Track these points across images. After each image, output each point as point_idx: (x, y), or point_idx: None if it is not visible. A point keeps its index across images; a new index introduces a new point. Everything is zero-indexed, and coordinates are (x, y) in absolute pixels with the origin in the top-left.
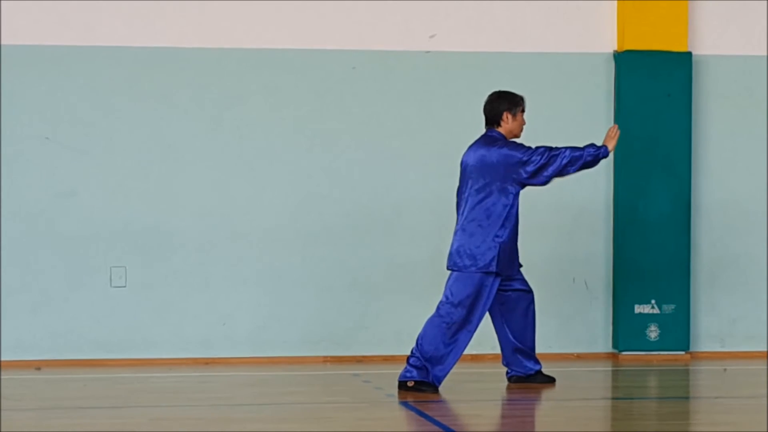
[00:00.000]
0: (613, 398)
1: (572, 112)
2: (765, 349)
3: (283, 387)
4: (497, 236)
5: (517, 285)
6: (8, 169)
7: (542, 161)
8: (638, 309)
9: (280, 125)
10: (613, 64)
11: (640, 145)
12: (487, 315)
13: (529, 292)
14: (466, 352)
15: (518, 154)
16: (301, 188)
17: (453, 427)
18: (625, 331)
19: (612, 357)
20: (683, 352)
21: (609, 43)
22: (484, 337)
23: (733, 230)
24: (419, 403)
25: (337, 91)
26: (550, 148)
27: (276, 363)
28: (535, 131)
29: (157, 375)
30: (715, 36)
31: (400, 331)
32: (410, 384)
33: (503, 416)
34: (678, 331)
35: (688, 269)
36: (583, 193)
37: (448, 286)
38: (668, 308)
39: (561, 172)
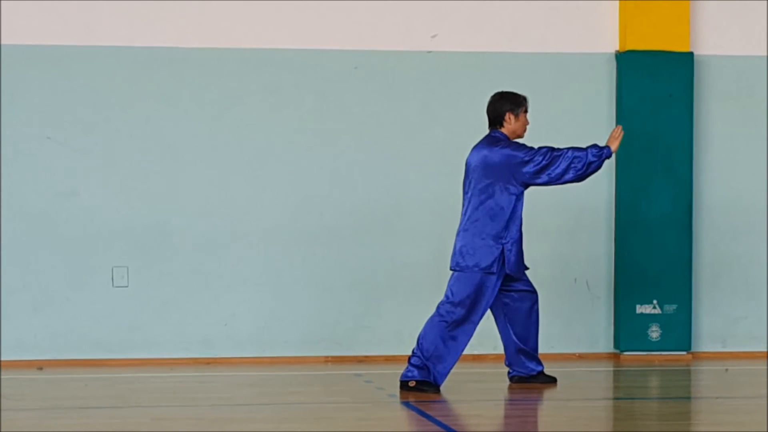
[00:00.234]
0: (615, 398)
1: (574, 112)
2: (766, 350)
3: (284, 387)
4: (500, 237)
5: (522, 285)
6: (8, 169)
7: (544, 161)
8: (640, 309)
9: (280, 125)
10: (614, 64)
11: (642, 145)
12: (490, 315)
13: (533, 292)
14: (468, 352)
15: (520, 155)
16: (302, 188)
17: (454, 427)
18: (627, 331)
19: (613, 357)
20: (685, 353)
21: (611, 44)
22: (486, 338)
23: (734, 230)
24: (421, 403)
25: (337, 91)
26: (553, 149)
27: (277, 363)
28: (537, 131)
29: (158, 375)
30: (716, 36)
31: (401, 331)
32: (412, 384)
33: (505, 416)
34: (679, 331)
35: (690, 269)
36: (584, 194)
37: (449, 285)
38: (670, 308)
39: (564, 174)
